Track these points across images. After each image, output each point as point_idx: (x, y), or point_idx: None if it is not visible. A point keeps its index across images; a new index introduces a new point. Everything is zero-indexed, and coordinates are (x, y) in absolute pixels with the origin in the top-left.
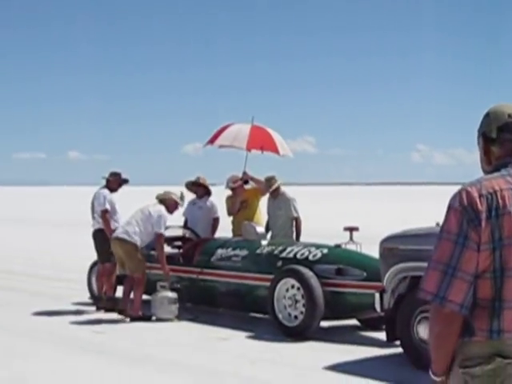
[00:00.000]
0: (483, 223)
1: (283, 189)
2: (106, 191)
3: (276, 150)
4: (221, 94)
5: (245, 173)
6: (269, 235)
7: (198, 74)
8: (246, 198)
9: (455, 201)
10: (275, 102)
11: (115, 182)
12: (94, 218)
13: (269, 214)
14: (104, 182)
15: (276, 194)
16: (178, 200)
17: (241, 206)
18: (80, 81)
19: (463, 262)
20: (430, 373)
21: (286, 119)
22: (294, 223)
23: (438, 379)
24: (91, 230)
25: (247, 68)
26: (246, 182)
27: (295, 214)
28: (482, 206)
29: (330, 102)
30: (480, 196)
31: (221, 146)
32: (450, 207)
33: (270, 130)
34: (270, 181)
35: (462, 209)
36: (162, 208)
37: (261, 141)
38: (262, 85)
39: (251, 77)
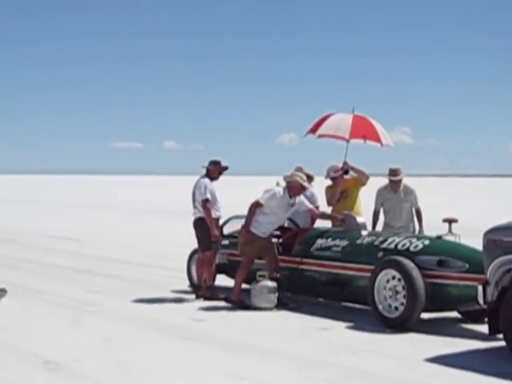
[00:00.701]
0: None
1: (404, 180)
2: (207, 180)
3: (378, 140)
4: (315, 85)
5: (345, 163)
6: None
7: (294, 64)
8: (345, 188)
9: None
10: (371, 93)
11: (215, 171)
12: (195, 206)
13: (387, 206)
14: (204, 172)
15: (397, 187)
16: (303, 183)
17: (340, 196)
18: (175, 70)
19: None
20: None
21: (382, 110)
22: (416, 213)
23: None
24: (192, 219)
25: (344, 59)
26: (347, 172)
27: (419, 205)
28: None
29: (427, 93)
30: None
31: (320, 136)
32: None
33: (372, 120)
34: (395, 171)
35: None
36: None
37: (363, 130)
38: (358, 76)
39: (348, 68)
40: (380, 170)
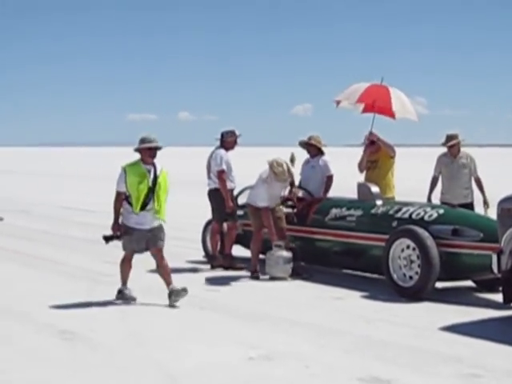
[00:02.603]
0: None
1: (463, 148)
2: (223, 151)
3: (389, 109)
4: (330, 55)
5: (371, 133)
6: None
7: (309, 34)
8: (377, 157)
9: None
10: (388, 63)
11: (231, 141)
12: (209, 177)
13: (446, 172)
14: (218, 143)
15: (455, 152)
16: (275, 169)
17: (371, 165)
18: (189, 43)
19: None
20: None
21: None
22: (476, 183)
23: None
24: (207, 189)
25: (359, 29)
26: (373, 143)
27: (479, 174)
28: None
29: (442, 62)
30: None
31: (337, 103)
32: None
33: (393, 89)
34: (452, 136)
35: None
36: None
37: (374, 97)
38: (374, 46)
39: (363, 38)
40: (392, 141)
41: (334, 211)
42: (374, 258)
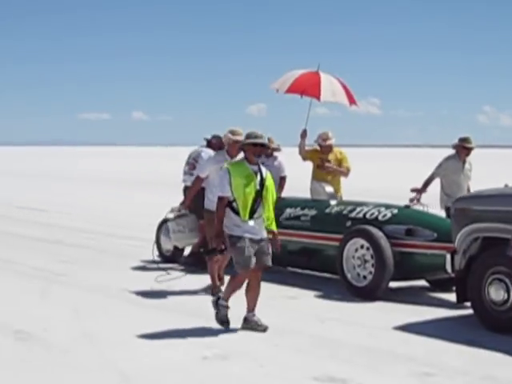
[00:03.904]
0: None
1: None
2: (210, 152)
3: (317, 95)
4: (284, 55)
5: (305, 131)
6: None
7: (263, 34)
8: (331, 157)
9: None
10: (340, 64)
11: (216, 145)
12: (185, 173)
13: (452, 175)
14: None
15: (467, 155)
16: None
17: (323, 164)
18: (142, 41)
19: None
20: None
21: (350, 80)
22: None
23: None
24: (182, 186)
25: (313, 28)
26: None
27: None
28: None
29: (395, 63)
30: None
31: (274, 88)
32: None
33: (325, 76)
34: (468, 139)
35: None
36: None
37: (304, 86)
38: (326, 46)
39: (317, 37)
40: (344, 141)
41: (289, 211)
42: (328, 258)
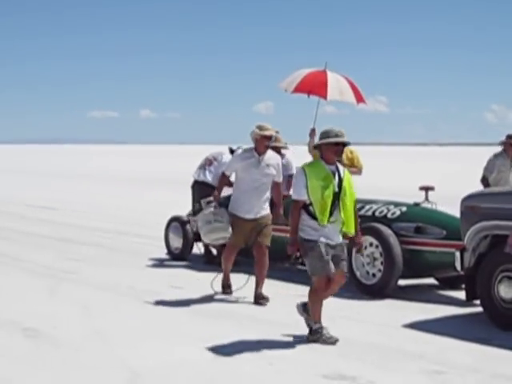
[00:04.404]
0: None
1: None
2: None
3: (323, 94)
4: (292, 54)
5: (313, 130)
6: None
7: (271, 32)
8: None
9: None
10: (347, 62)
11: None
12: (200, 168)
13: (500, 173)
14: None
15: None
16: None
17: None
18: (150, 39)
19: None
20: None
21: (357, 79)
22: None
23: None
24: (192, 180)
25: (321, 27)
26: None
27: None
28: None
29: (402, 61)
30: None
31: (281, 87)
32: None
33: (332, 74)
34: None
35: None
36: None
37: (311, 85)
38: (334, 45)
39: (323, 36)
40: (352, 139)
41: None
42: None
